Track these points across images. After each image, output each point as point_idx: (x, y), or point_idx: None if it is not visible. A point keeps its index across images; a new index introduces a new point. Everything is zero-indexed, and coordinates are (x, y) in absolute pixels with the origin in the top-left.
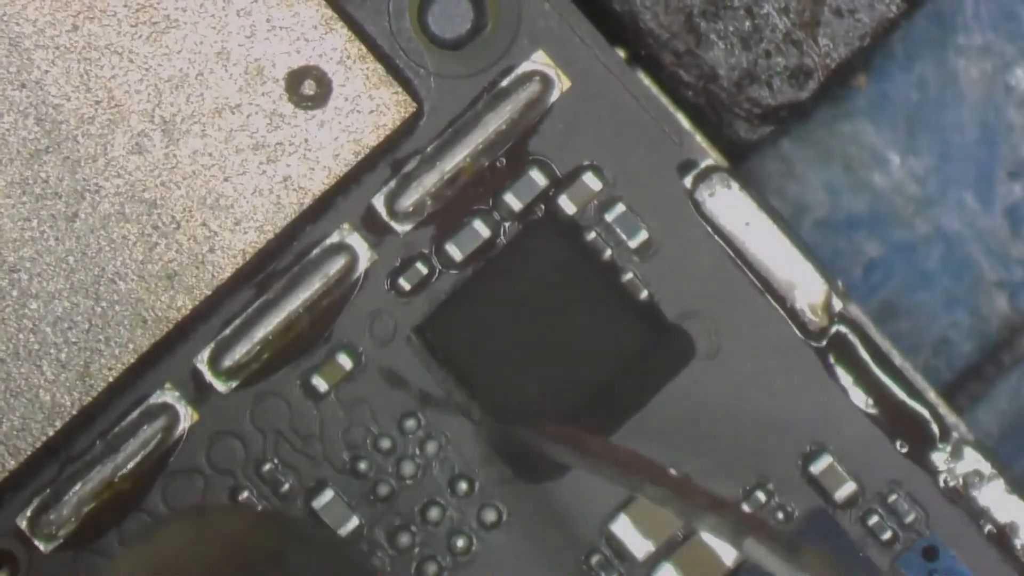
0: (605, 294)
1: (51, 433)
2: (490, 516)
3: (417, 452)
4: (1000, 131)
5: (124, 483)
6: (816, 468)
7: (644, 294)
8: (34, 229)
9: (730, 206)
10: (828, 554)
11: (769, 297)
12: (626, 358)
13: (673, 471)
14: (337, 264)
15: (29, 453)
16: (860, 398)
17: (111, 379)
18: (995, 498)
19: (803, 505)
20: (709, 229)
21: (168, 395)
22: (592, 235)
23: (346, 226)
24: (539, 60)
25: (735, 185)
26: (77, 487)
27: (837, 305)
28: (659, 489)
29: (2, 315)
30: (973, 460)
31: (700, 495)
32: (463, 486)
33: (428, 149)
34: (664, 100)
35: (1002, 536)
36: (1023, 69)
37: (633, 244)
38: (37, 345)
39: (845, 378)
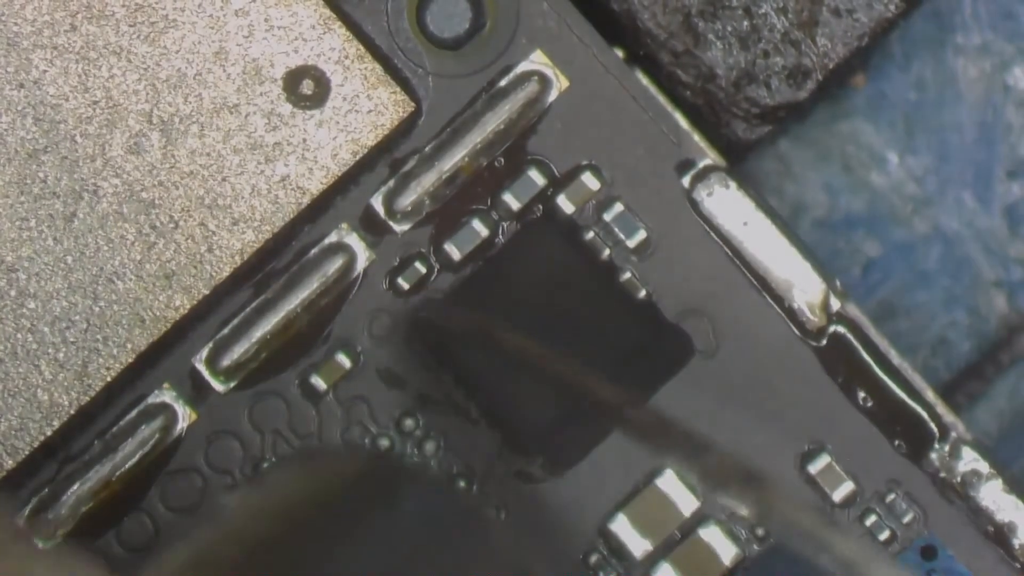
0: (603, 293)
1: (49, 433)
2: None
3: (415, 452)
4: (999, 130)
5: (122, 483)
6: (814, 468)
7: (642, 293)
8: (32, 229)
9: (728, 206)
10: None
11: (767, 296)
12: (624, 357)
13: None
14: (335, 264)
15: (27, 453)
16: (858, 398)
17: (109, 379)
18: (993, 497)
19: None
20: (707, 228)
21: (166, 395)
22: (590, 235)
23: (344, 226)
24: (537, 60)
25: (733, 185)
26: (75, 487)
27: (835, 305)
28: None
29: (0, 315)
30: (971, 459)
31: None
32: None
33: (426, 149)
34: (662, 100)
35: (1000, 535)
36: (1021, 68)
37: (631, 243)
38: (35, 345)
39: (843, 378)
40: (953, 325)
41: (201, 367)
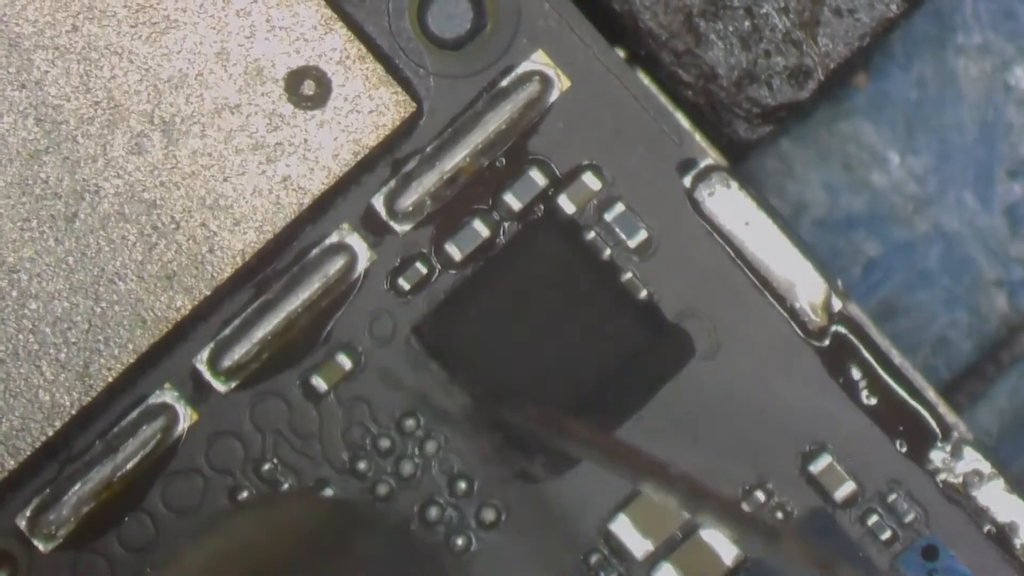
0: (604, 294)
1: (50, 433)
2: (489, 516)
3: (416, 452)
4: (999, 130)
5: (123, 483)
6: (815, 467)
7: (643, 293)
8: (34, 229)
9: (729, 205)
10: (811, 545)
11: (768, 296)
12: (625, 357)
13: (664, 464)
14: (336, 264)
15: (28, 453)
16: (860, 397)
17: (110, 379)
18: (994, 497)
19: (802, 505)
20: (708, 228)
21: (167, 395)
22: (591, 235)
23: (345, 226)
24: (539, 60)
25: (734, 184)
26: (76, 487)
27: (836, 304)
28: (650, 480)
29: (1, 315)
30: (972, 459)
31: (690, 486)
32: (462, 486)
33: (428, 149)
34: (664, 100)
35: (1001, 535)
36: (1022, 68)
37: (632, 243)
38: (36, 345)
39: (844, 377)
40: (954, 325)
41: (202, 367)
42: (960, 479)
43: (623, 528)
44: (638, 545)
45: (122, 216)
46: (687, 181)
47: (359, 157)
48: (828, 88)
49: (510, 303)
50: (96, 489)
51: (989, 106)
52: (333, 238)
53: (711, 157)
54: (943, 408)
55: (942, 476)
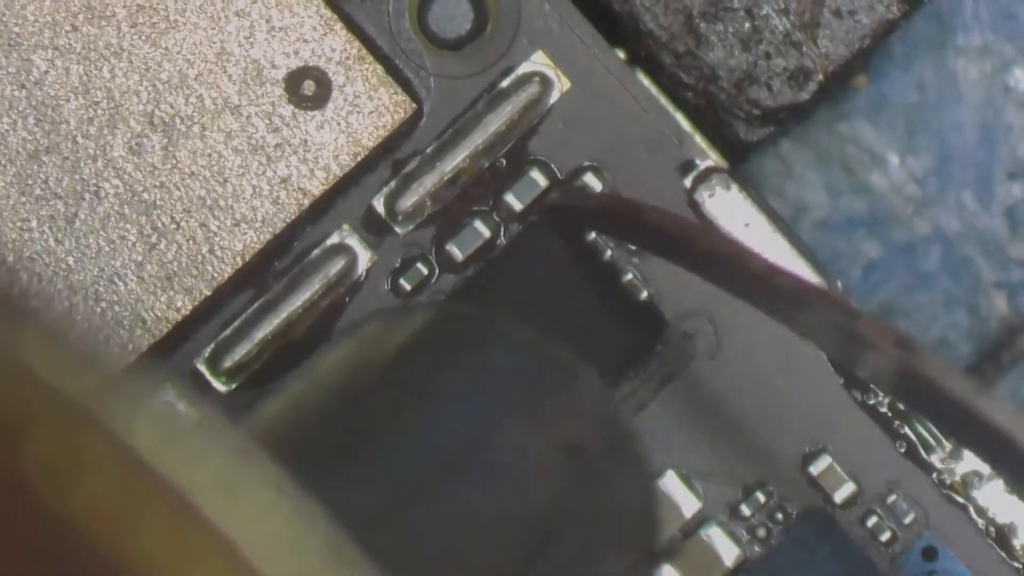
0: (605, 295)
1: None
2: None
3: None
4: (999, 132)
5: None
6: (816, 468)
7: (644, 294)
8: (33, 230)
9: (730, 207)
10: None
11: None
12: (626, 358)
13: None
14: (337, 265)
15: None
16: (860, 398)
17: None
18: (994, 498)
19: (802, 505)
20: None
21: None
22: (592, 235)
23: (346, 227)
24: (539, 61)
25: (735, 186)
26: None
27: None
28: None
29: None
30: (972, 460)
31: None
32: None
33: (428, 150)
34: (664, 101)
35: (1001, 536)
36: (1022, 70)
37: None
38: None
39: (845, 378)
40: (954, 326)
41: (203, 368)
42: (960, 480)
43: None
44: None
45: (122, 216)
46: (687, 182)
47: (359, 158)
48: (828, 90)
49: (511, 304)
50: None
51: (989, 108)
52: (333, 239)
53: (711, 159)
54: None
55: (942, 477)
